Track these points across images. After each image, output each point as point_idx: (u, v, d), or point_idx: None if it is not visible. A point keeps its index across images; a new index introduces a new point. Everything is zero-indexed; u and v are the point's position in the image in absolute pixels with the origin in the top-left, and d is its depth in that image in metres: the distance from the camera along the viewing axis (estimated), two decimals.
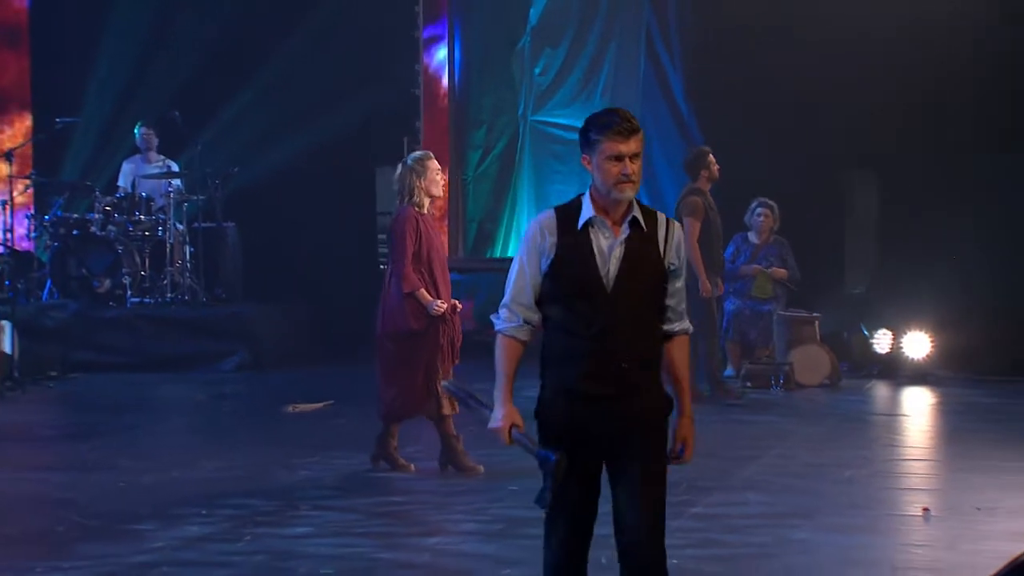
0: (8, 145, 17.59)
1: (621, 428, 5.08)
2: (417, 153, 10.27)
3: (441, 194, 10.32)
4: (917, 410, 13.48)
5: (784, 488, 9.60)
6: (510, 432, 5.11)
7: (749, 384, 13.72)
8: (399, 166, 10.39)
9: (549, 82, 19.08)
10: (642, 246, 5.09)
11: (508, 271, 5.25)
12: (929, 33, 15.61)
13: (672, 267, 5.15)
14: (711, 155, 13.30)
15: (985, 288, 15.21)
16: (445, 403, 9.67)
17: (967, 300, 15.03)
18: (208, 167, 16.77)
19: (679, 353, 5.25)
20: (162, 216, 15.95)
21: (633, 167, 5.05)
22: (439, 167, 10.20)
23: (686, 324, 5.28)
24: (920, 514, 8.83)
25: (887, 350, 14.78)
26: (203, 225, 16.57)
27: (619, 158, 5.04)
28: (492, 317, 5.27)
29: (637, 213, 5.12)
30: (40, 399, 13.88)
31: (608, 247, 5.07)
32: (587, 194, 5.19)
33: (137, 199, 15.98)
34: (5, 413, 13.06)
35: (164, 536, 8.23)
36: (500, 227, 19.35)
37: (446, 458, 9.81)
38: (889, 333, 14.80)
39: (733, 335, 14.66)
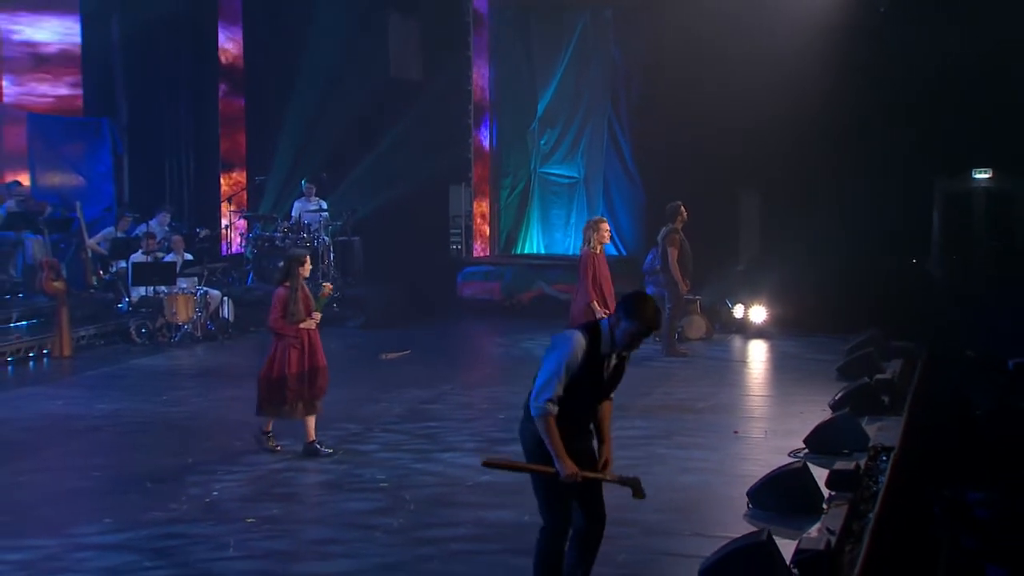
0: (230, 192, 17.85)
1: (587, 458, 4.95)
2: (597, 216, 10.03)
3: (608, 242, 10.00)
4: (755, 358, 13.05)
5: (659, 416, 9.29)
6: (579, 473, 4.79)
7: (657, 339, 13.17)
8: (586, 221, 10.23)
9: (549, 149, 19.13)
10: (620, 363, 4.92)
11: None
12: (794, 98, 15.38)
13: (624, 365, 5.00)
14: (683, 206, 12.62)
15: (806, 276, 14.94)
16: None
17: (793, 284, 14.78)
18: (343, 205, 17.00)
19: (607, 410, 5.04)
20: (316, 234, 16.06)
21: (638, 344, 4.86)
22: (608, 227, 9.97)
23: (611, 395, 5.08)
24: (733, 435, 8.66)
25: (741, 316, 14.56)
26: (340, 239, 16.74)
27: (635, 340, 4.81)
28: (534, 406, 4.75)
29: None
30: (244, 346, 13.56)
31: (607, 364, 4.86)
32: (606, 329, 4.81)
33: (302, 224, 16.10)
34: (220, 356, 12.81)
35: (292, 450, 8.17)
36: (519, 235, 19.35)
37: None
38: (742, 305, 14.59)
39: None
